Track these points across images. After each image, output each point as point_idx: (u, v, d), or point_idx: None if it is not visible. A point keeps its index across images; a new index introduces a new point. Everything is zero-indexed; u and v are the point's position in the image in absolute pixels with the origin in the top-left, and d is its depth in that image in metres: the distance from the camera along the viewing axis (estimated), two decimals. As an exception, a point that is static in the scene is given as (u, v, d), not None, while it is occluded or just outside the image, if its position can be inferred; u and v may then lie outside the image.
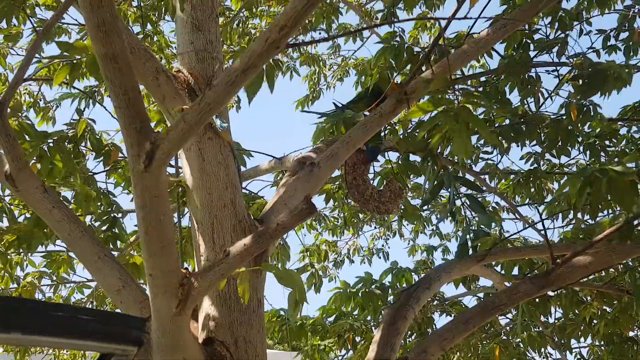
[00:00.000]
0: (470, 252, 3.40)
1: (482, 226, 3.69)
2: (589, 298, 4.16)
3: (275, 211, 2.55)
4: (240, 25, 5.78)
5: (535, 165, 4.26)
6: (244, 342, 2.22)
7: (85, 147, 3.55)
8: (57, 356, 5.80)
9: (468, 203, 3.71)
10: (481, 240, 3.30)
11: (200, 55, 2.64)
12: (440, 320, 6.10)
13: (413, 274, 4.03)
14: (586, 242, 2.76)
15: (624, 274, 3.63)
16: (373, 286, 3.84)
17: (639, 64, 3.78)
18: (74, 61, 2.53)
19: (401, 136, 3.83)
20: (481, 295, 4.58)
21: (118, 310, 2.36)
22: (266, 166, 3.91)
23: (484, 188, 4.53)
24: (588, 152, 3.88)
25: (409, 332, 4.24)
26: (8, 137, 2.17)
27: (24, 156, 2.23)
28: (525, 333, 4.31)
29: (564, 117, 3.60)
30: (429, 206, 5.66)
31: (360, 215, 6.13)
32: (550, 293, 3.75)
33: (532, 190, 4.32)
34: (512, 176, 4.58)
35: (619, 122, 4.02)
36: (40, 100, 5.34)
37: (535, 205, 4.39)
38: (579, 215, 3.82)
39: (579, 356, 5.03)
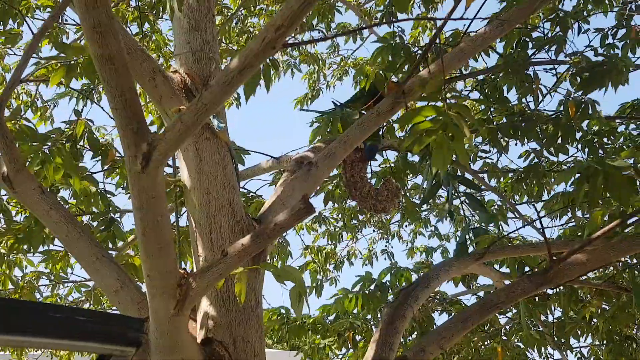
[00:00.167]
0: (470, 250, 3.41)
1: (482, 224, 3.70)
2: (588, 296, 4.16)
3: (273, 211, 2.55)
4: (239, 23, 5.78)
5: (536, 161, 4.26)
6: (242, 342, 2.22)
7: (83, 146, 3.55)
8: (54, 354, 5.80)
9: (467, 202, 3.72)
10: (480, 238, 3.30)
11: (197, 56, 2.64)
12: (441, 320, 6.11)
13: (412, 273, 4.04)
14: (584, 239, 2.77)
15: (623, 271, 3.64)
16: (373, 285, 3.85)
17: (636, 62, 3.79)
18: (71, 62, 2.52)
19: (400, 137, 3.83)
20: (481, 294, 4.58)
21: (115, 310, 2.36)
22: (264, 166, 3.91)
23: (483, 187, 4.53)
24: (586, 150, 3.88)
25: (410, 332, 4.24)
26: (5, 139, 2.16)
27: (21, 158, 2.23)
28: (524, 332, 4.32)
29: (563, 114, 3.60)
30: (428, 207, 5.66)
31: (360, 217, 6.14)
32: (550, 291, 3.76)
33: (533, 187, 4.32)
34: (510, 174, 4.58)
35: (617, 120, 4.03)
36: (38, 99, 5.35)
37: (533, 203, 4.39)
38: (579, 212, 3.83)
39: (579, 355, 5.04)
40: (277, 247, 4.99)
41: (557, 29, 3.66)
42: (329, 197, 4.84)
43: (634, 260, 3.53)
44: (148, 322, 1.95)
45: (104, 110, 3.88)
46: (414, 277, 4.08)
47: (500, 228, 4.53)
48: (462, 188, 3.78)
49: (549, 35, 3.69)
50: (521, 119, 3.65)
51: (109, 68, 1.60)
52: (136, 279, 3.32)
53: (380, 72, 3.21)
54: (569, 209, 3.69)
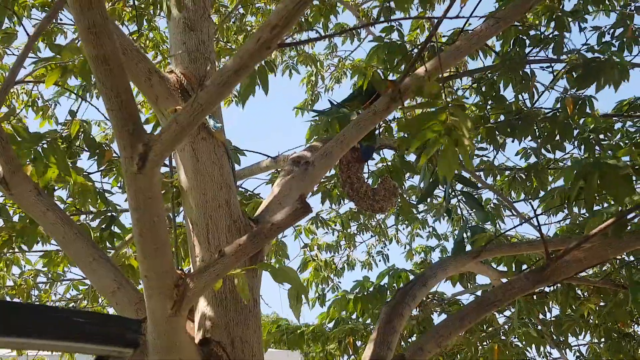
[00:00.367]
0: (468, 248, 3.41)
1: (479, 223, 3.71)
2: (585, 294, 4.17)
3: (270, 211, 2.55)
4: (237, 22, 5.77)
5: (535, 159, 4.27)
6: (240, 342, 2.22)
7: (79, 147, 3.55)
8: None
9: (464, 200, 3.72)
10: (477, 236, 3.31)
11: (193, 56, 2.64)
12: (439, 320, 6.10)
13: (410, 275, 4.04)
14: (581, 236, 2.77)
15: (620, 268, 3.65)
16: (371, 289, 3.86)
17: (633, 61, 3.79)
18: (67, 63, 2.52)
19: (397, 137, 3.84)
20: (479, 293, 4.59)
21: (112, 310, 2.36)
22: (261, 165, 3.91)
23: (480, 185, 4.53)
24: (583, 147, 3.89)
25: (410, 333, 4.24)
26: (0, 140, 2.16)
27: (17, 159, 2.22)
28: (522, 330, 4.32)
29: (560, 111, 3.61)
30: (425, 207, 5.67)
31: (360, 220, 6.14)
32: (547, 289, 3.76)
33: (532, 185, 4.33)
34: (507, 172, 4.59)
35: (614, 118, 4.04)
36: (39, 99, 5.35)
37: (530, 200, 4.40)
38: (575, 209, 3.84)
39: (578, 354, 5.05)
40: (275, 247, 4.99)
41: (554, 26, 3.67)
42: (326, 197, 4.84)
43: (631, 258, 3.54)
44: (145, 323, 1.94)
45: (99, 110, 3.88)
46: (412, 278, 4.09)
47: (498, 226, 4.54)
48: (459, 186, 3.79)
49: (547, 33, 3.69)
50: (518, 117, 3.65)
51: (104, 69, 1.60)
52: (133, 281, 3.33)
53: (378, 70, 3.21)
54: (566, 206, 3.70)
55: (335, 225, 6.21)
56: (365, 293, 3.84)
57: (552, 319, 4.42)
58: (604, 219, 2.65)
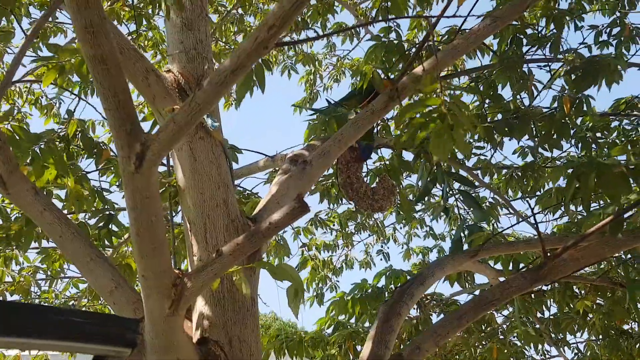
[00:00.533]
0: (465, 247, 3.41)
1: (476, 222, 3.71)
2: (582, 292, 4.18)
3: (268, 210, 2.55)
4: (235, 23, 5.77)
5: (532, 158, 4.28)
6: (238, 342, 2.22)
7: (76, 146, 3.55)
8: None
9: (462, 199, 3.72)
10: (474, 236, 3.31)
11: (190, 55, 2.64)
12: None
13: (408, 276, 4.04)
14: (578, 235, 2.78)
15: (617, 266, 3.65)
16: (369, 291, 3.86)
17: (630, 60, 3.80)
18: (64, 62, 2.52)
19: (394, 135, 3.83)
20: (477, 292, 4.59)
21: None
22: (259, 164, 3.91)
23: (477, 183, 4.54)
24: (580, 145, 3.90)
25: (410, 336, 4.24)
26: (-2, 140, 2.16)
27: (14, 159, 2.22)
28: (520, 328, 4.33)
29: (557, 110, 3.61)
30: (423, 206, 5.67)
31: (358, 220, 6.14)
32: (544, 287, 3.77)
33: (530, 183, 4.34)
34: (504, 171, 4.60)
35: (611, 117, 4.04)
36: (42, 97, 5.35)
37: (527, 199, 4.40)
38: (572, 207, 3.84)
39: (576, 351, 5.06)
40: (276, 247, 4.99)
41: (552, 26, 3.67)
42: (324, 196, 4.84)
43: (628, 256, 3.55)
44: (143, 323, 1.94)
45: (96, 110, 3.88)
46: (409, 278, 4.09)
47: (495, 225, 4.54)
48: (456, 185, 3.79)
49: (544, 33, 3.70)
50: (515, 115, 3.66)
51: (101, 68, 1.60)
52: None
53: (376, 70, 3.21)
54: (562, 205, 3.71)
55: (334, 225, 6.22)
56: (364, 295, 3.84)
57: (550, 317, 4.42)
58: (601, 217, 2.66)
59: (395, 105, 2.76)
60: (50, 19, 4.43)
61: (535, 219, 2.84)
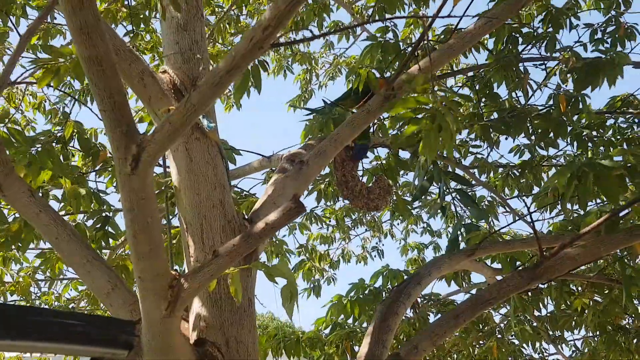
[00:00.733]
0: (462, 246, 3.42)
1: (473, 220, 3.71)
2: (579, 289, 4.19)
3: (265, 210, 2.55)
4: (232, 24, 5.77)
5: (530, 156, 4.29)
6: (235, 343, 2.22)
7: (73, 147, 3.54)
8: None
9: (459, 198, 3.73)
10: (471, 234, 3.31)
11: (186, 56, 2.63)
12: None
13: (405, 275, 4.04)
14: (574, 233, 2.78)
15: (614, 263, 3.66)
16: (366, 291, 3.86)
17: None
18: (59, 64, 2.51)
19: (391, 135, 3.84)
20: (474, 291, 4.60)
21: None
22: (255, 165, 3.91)
23: (474, 182, 4.55)
24: (576, 143, 3.91)
25: (407, 336, 4.25)
26: (-7, 142, 2.15)
27: (10, 161, 2.22)
28: (518, 327, 4.34)
29: (553, 109, 3.62)
30: (419, 203, 5.68)
31: (353, 216, 6.15)
32: (541, 285, 3.77)
33: (528, 181, 4.35)
34: (500, 169, 4.61)
35: (607, 114, 4.05)
36: (46, 101, 5.34)
37: (523, 197, 4.41)
38: (569, 205, 3.85)
39: (574, 348, 5.07)
40: (272, 247, 4.99)
41: (549, 25, 3.68)
42: (321, 196, 4.84)
43: (624, 253, 3.55)
44: (140, 324, 1.94)
45: (92, 111, 3.87)
46: (406, 277, 4.09)
47: (492, 223, 4.55)
48: (453, 184, 3.79)
49: (540, 31, 3.70)
50: (511, 114, 3.66)
51: (96, 70, 1.59)
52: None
53: (372, 70, 3.21)
54: (559, 203, 3.71)
55: (330, 221, 6.23)
56: (361, 295, 3.85)
57: (548, 314, 4.44)
58: (597, 216, 2.67)
59: (391, 105, 2.76)
60: (48, 20, 4.42)
61: (531, 217, 2.85)
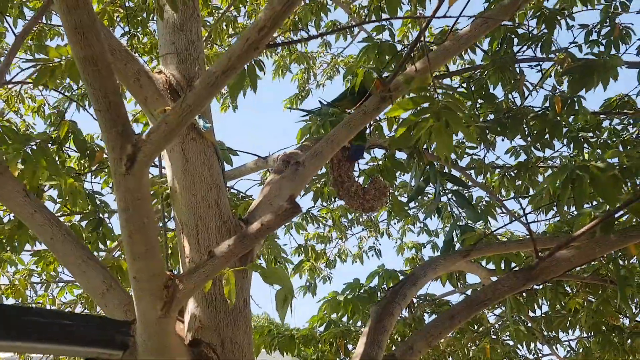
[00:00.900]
0: (457, 247, 3.42)
1: (469, 221, 3.72)
2: (574, 289, 4.20)
3: (261, 211, 2.55)
4: (229, 25, 5.77)
5: (525, 157, 4.30)
6: (230, 344, 2.21)
7: (69, 148, 3.53)
8: None
9: (455, 199, 3.73)
10: (466, 235, 3.32)
11: (182, 56, 2.63)
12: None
13: (400, 275, 4.04)
14: (569, 235, 2.79)
15: (608, 264, 3.67)
16: (361, 290, 3.86)
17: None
18: (52, 64, 2.50)
19: (388, 136, 3.84)
20: (469, 292, 4.60)
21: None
22: (251, 165, 3.90)
23: (470, 183, 4.55)
24: (572, 145, 3.92)
25: (402, 336, 4.25)
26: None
27: (4, 161, 2.21)
28: (513, 327, 4.35)
29: (549, 110, 3.63)
30: (416, 204, 5.69)
31: (350, 216, 6.16)
32: (536, 286, 3.78)
33: (523, 182, 4.36)
34: (497, 170, 4.62)
35: (602, 115, 4.07)
36: (45, 105, 5.32)
37: (519, 199, 4.42)
38: (565, 207, 3.85)
39: (568, 348, 5.09)
40: (266, 248, 4.99)
41: (543, 26, 3.69)
42: (317, 196, 4.84)
43: (619, 253, 3.57)
44: (135, 325, 1.94)
45: (87, 111, 3.86)
46: (402, 278, 4.09)
47: (489, 224, 4.56)
48: (449, 185, 3.80)
49: (535, 32, 3.71)
50: (507, 115, 3.67)
51: (91, 70, 1.59)
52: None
53: (369, 70, 3.21)
54: (555, 205, 3.72)
55: (327, 221, 6.23)
56: (356, 294, 3.85)
57: (542, 315, 4.45)
58: (590, 217, 2.67)
59: (387, 106, 2.76)
60: (46, 22, 4.41)
61: (526, 218, 2.85)
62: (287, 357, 4.35)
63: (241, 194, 4.31)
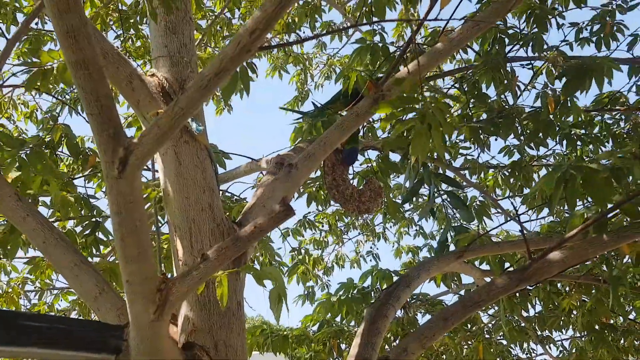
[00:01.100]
0: (452, 248, 3.43)
1: (463, 222, 3.73)
2: (567, 289, 4.21)
3: (254, 213, 2.55)
4: (224, 27, 5.76)
5: (519, 156, 4.31)
6: (224, 346, 2.21)
7: (62, 152, 3.52)
8: None
9: (449, 200, 3.74)
10: (460, 236, 3.32)
11: (175, 59, 2.63)
12: (423, 322, 6.13)
13: (395, 276, 4.05)
14: (562, 236, 2.80)
15: (601, 264, 3.69)
16: (355, 291, 3.86)
17: (611, 55, 3.83)
18: (44, 67, 2.50)
19: (381, 138, 3.85)
20: (463, 292, 4.61)
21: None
22: (244, 168, 3.90)
23: (464, 184, 4.56)
24: (565, 142, 3.93)
25: (395, 336, 4.25)
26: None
27: (-4, 165, 2.20)
28: (507, 327, 4.36)
29: (542, 110, 3.64)
30: (411, 206, 5.70)
31: (346, 219, 6.15)
32: (529, 287, 3.79)
33: (518, 181, 4.37)
34: (490, 170, 4.63)
35: (593, 112, 4.08)
36: (37, 110, 5.30)
37: (514, 199, 4.43)
38: (558, 206, 3.87)
39: (561, 348, 5.10)
40: (261, 249, 4.98)
41: (534, 26, 3.70)
42: (312, 199, 4.84)
43: (612, 253, 3.58)
44: (128, 328, 1.93)
45: (80, 115, 3.85)
46: (395, 279, 4.10)
47: (484, 224, 4.57)
48: (444, 186, 3.81)
49: (526, 32, 3.72)
50: (500, 115, 3.68)
51: (83, 73, 1.58)
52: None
53: (362, 73, 3.22)
54: (548, 205, 3.73)
55: (323, 226, 6.22)
56: (350, 295, 3.85)
57: (535, 315, 4.46)
58: (583, 218, 2.68)
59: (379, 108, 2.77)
60: (40, 27, 4.40)
61: (519, 219, 2.86)
62: (279, 356, 4.34)
63: (235, 197, 4.30)
